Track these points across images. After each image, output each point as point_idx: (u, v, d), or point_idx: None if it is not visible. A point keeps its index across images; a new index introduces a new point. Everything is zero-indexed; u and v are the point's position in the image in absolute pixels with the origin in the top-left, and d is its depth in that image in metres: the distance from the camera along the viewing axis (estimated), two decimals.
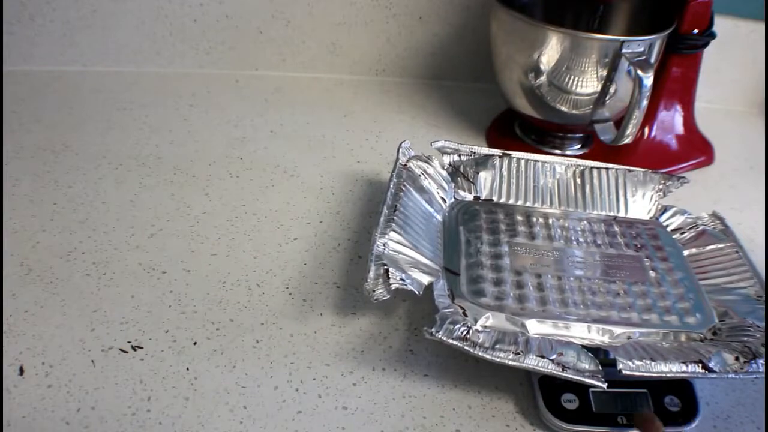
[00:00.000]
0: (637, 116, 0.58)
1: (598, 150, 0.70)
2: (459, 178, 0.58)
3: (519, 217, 0.55)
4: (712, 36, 0.66)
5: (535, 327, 0.44)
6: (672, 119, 0.71)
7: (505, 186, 0.58)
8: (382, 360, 0.45)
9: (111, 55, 0.77)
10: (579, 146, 0.71)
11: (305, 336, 0.46)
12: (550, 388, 0.42)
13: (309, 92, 0.79)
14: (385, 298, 0.42)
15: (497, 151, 0.59)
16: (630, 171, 0.59)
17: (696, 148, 0.73)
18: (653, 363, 0.40)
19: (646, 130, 0.69)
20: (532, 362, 0.39)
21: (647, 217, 0.57)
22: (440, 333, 0.40)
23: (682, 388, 0.42)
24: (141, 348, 0.44)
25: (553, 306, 0.46)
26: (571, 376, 0.39)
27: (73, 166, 0.61)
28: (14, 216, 0.54)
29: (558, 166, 0.59)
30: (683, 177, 0.59)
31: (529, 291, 0.47)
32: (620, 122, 0.59)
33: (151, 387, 0.41)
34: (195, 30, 0.77)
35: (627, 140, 0.59)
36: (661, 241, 0.54)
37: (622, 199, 0.58)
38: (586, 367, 0.40)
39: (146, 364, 0.43)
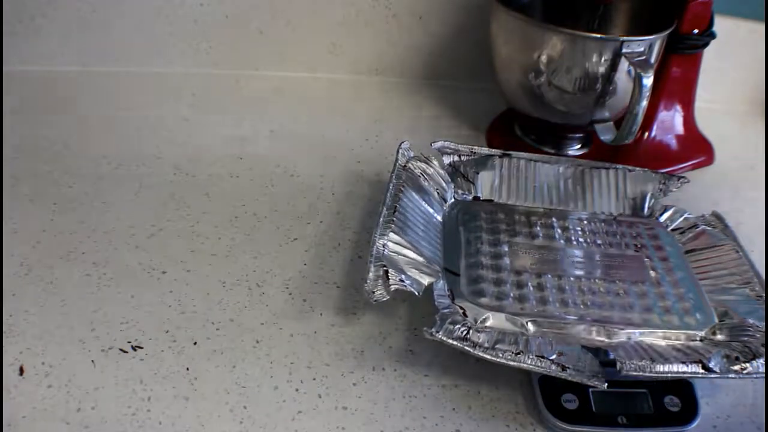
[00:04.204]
0: (637, 116, 0.58)
1: (598, 150, 0.70)
2: (459, 179, 0.58)
3: (519, 217, 0.55)
4: (712, 36, 0.66)
5: (535, 327, 0.44)
6: (672, 119, 0.71)
7: (505, 186, 0.58)
8: (382, 360, 0.45)
9: (111, 55, 0.77)
10: (579, 146, 0.71)
11: (305, 336, 0.46)
12: (550, 388, 0.42)
13: (309, 92, 0.79)
14: (385, 299, 0.42)
15: (497, 151, 0.59)
16: (630, 171, 0.59)
17: (696, 148, 0.73)
18: (653, 363, 0.40)
19: (646, 130, 0.69)
20: (532, 362, 0.39)
21: (647, 217, 0.57)
22: (440, 333, 0.40)
23: (682, 388, 0.42)
24: (141, 348, 0.44)
25: (553, 306, 0.46)
26: (571, 376, 0.39)
27: (73, 166, 0.61)
28: (14, 216, 0.54)
29: (558, 166, 0.59)
30: (683, 177, 0.59)
31: (529, 291, 0.47)
32: (620, 122, 0.59)
33: (151, 387, 0.41)
34: (195, 30, 0.77)
35: (627, 140, 0.59)
36: (661, 241, 0.54)
37: (622, 199, 0.58)
38: (586, 367, 0.40)
39: (146, 364, 0.43)
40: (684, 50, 0.66)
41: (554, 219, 0.55)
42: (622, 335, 0.45)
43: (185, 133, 0.68)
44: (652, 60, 0.61)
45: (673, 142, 0.71)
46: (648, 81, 0.56)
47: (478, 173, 0.58)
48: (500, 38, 0.65)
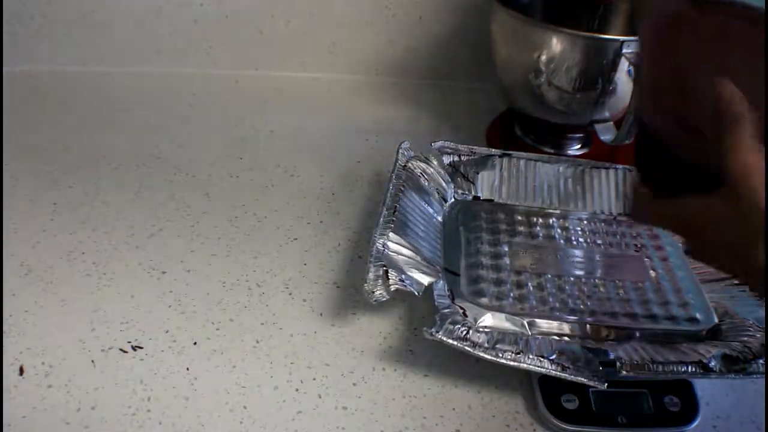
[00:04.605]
0: None
1: (598, 150, 0.70)
2: (459, 178, 0.58)
3: (519, 217, 0.55)
4: None
5: (535, 327, 0.44)
6: None
7: (505, 186, 0.58)
8: (382, 360, 0.45)
9: (111, 55, 0.77)
10: (579, 146, 0.71)
11: (305, 336, 0.46)
12: (550, 388, 0.42)
13: (309, 92, 0.79)
14: (385, 299, 0.42)
15: (497, 151, 0.59)
16: (630, 171, 0.58)
17: None
18: (653, 363, 0.40)
19: None
20: (532, 362, 0.39)
21: None
22: (440, 333, 0.40)
23: (682, 388, 0.42)
24: (141, 348, 0.44)
25: (553, 306, 0.46)
26: (571, 376, 0.39)
27: (73, 166, 0.61)
28: (14, 216, 0.54)
29: (558, 166, 0.59)
30: None
31: (529, 291, 0.47)
32: (620, 122, 0.59)
33: (151, 387, 0.41)
34: (195, 30, 0.77)
35: (627, 140, 0.59)
36: (661, 240, 0.54)
37: (622, 198, 0.58)
38: (586, 367, 0.40)
39: (146, 364, 0.43)
40: None
41: (554, 219, 0.55)
42: (622, 335, 0.45)
43: (185, 133, 0.68)
44: None
45: None
46: None
47: (478, 173, 0.58)
48: (500, 38, 0.65)
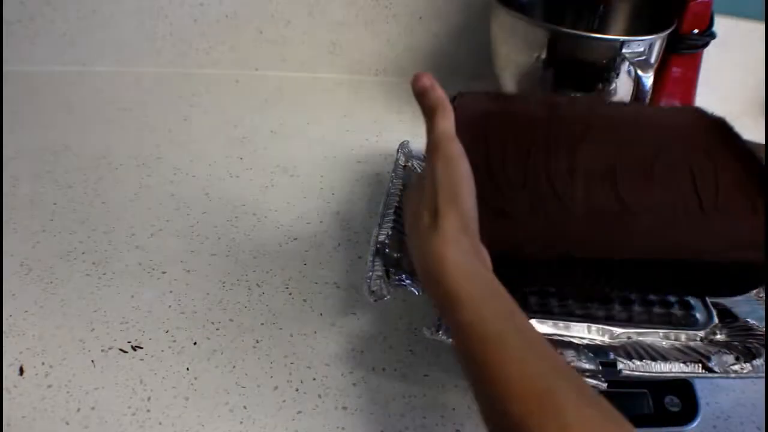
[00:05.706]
0: None
1: None
2: None
3: None
4: (712, 36, 0.66)
5: (535, 327, 0.44)
6: None
7: None
8: (382, 360, 0.45)
9: (111, 55, 0.77)
10: None
11: (305, 336, 0.46)
12: None
13: (309, 92, 0.79)
14: (386, 298, 0.42)
15: None
16: None
17: None
18: (653, 363, 0.40)
19: None
20: None
21: None
22: (440, 333, 0.40)
23: (682, 388, 0.42)
24: (141, 348, 0.44)
25: (553, 306, 0.46)
26: None
27: (73, 166, 0.61)
28: (14, 216, 0.54)
29: None
30: None
31: (529, 291, 0.47)
32: None
33: (151, 387, 0.41)
34: (195, 30, 0.77)
35: None
36: None
37: None
38: (586, 367, 0.40)
39: (146, 364, 0.43)
40: (684, 50, 0.66)
41: None
42: (622, 335, 0.45)
43: (185, 133, 0.68)
44: (652, 60, 0.61)
45: None
46: (648, 81, 0.56)
47: None
48: (500, 38, 0.65)
